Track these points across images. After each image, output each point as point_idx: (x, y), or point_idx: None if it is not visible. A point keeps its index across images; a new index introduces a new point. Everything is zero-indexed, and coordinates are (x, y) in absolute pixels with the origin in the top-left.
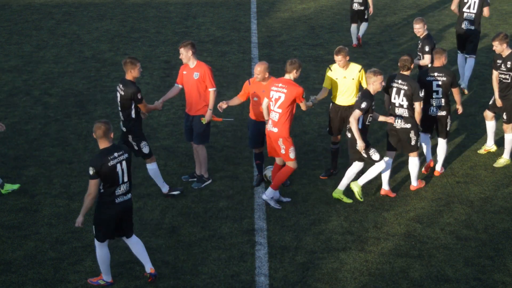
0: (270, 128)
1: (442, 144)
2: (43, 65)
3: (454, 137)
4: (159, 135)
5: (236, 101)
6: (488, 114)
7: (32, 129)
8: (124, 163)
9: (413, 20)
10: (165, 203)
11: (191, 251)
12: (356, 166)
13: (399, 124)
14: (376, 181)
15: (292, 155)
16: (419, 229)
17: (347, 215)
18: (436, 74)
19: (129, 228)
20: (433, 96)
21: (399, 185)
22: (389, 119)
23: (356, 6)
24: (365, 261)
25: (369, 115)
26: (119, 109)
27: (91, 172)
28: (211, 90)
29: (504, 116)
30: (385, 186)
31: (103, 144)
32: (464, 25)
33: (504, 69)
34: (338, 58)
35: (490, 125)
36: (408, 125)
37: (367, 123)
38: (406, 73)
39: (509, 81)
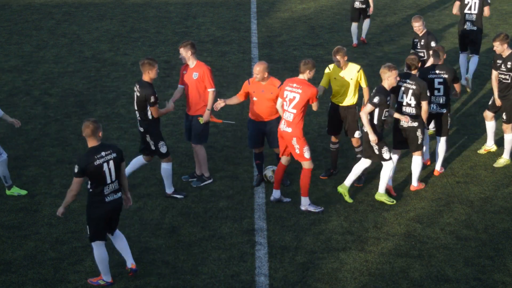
0: (283, 128)
1: (442, 143)
2: (43, 65)
3: (454, 137)
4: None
5: (234, 100)
6: (488, 114)
7: (32, 129)
8: (111, 162)
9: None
10: (165, 203)
11: (191, 251)
12: (364, 163)
13: (405, 123)
14: (376, 181)
15: (307, 154)
16: (419, 229)
17: (347, 215)
18: (437, 71)
19: (116, 225)
20: (435, 94)
21: (399, 185)
22: (403, 117)
23: (357, 5)
24: (365, 261)
25: (385, 110)
26: (135, 109)
27: (75, 170)
28: (210, 91)
29: (504, 116)
30: (389, 182)
31: (91, 143)
32: (467, 26)
33: (504, 70)
34: (336, 58)
35: (490, 125)
36: (415, 124)
37: (383, 117)
38: (413, 72)
39: (509, 81)
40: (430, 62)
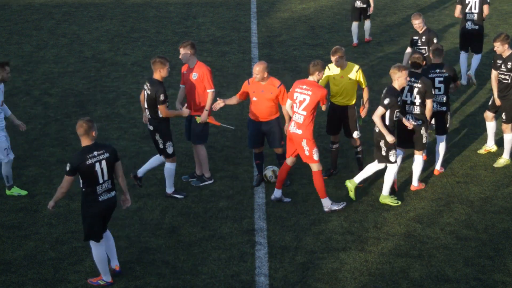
0: (293, 130)
1: (441, 142)
2: (43, 65)
3: (454, 137)
4: None
5: (234, 100)
6: (488, 115)
7: (32, 129)
8: (103, 162)
9: (411, 17)
10: (165, 203)
11: (191, 251)
12: (377, 164)
13: (410, 121)
14: (376, 181)
15: (316, 156)
16: (419, 229)
17: (347, 215)
18: (438, 70)
19: (106, 224)
20: (435, 93)
21: (399, 185)
22: (409, 125)
23: (358, 4)
24: (365, 261)
25: (396, 111)
26: (146, 107)
27: (67, 168)
28: (209, 92)
29: (503, 116)
30: (415, 183)
31: (84, 142)
32: (468, 26)
33: (504, 70)
34: (334, 58)
35: (491, 126)
36: (420, 122)
37: (394, 118)
38: (418, 71)
39: (509, 81)
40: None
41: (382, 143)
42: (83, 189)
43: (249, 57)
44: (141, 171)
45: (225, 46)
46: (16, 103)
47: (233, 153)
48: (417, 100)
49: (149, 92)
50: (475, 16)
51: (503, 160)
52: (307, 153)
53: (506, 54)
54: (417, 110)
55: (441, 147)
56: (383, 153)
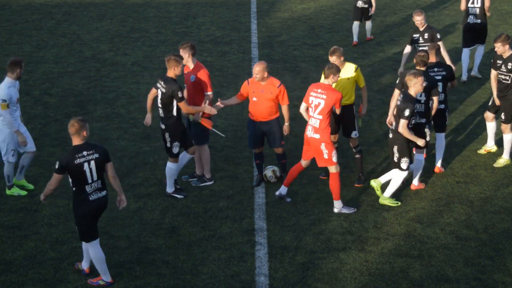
0: (310, 134)
1: (441, 139)
2: (43, 65)
3: (454, 137)
4: (159, 135)
5: (233, 101)
6: (488, 115)
7: (32, 129)
8: (92, 162)
9: (412, 14)
10: (165, 203)
11: (191, 251)
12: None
13: (414, 119)
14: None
15: (334, 158)
16: (419, 229)
17: (347, 215)
18: (436, 69)
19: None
20: None
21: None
22: (419, 141)
23: (360, 4)
24: (365, 261)
25: (412, 118)
26: (160, 106)
27: (56, 166)
28: (206, 94)
29: (503, 116)
30: (415, 182)
31: (75, 142)
32: (470, 20)
33: (505, 70)
34: (332, 58)
35: (491, 126)
36: (423, 120)
37: (409, 126)
38: (422, 68)
39: (509, 82)
40: (445, 55)
41: (395, 149)
42: (73, 189)
43: (249, 57)
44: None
45: (225, 46)
46: None
47: (233, 153)
48: (422, 98)
49: (163, 90)
50: (477, 10)
51: (503, 160)
52: (326, 156)
53: (506, 54)
54: (421, 108)
55: (441, 143)
56: (395, 159)
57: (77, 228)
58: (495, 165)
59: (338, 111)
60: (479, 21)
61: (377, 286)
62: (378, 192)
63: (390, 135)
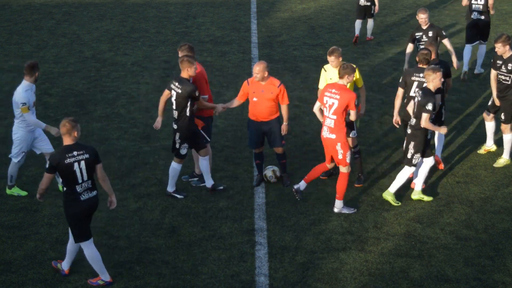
0: (326, 135)
1: (440, 135)
2: (43, 65)
3: (454, 137)
4: (159, 135)
5: (235, 103)
6: (487, 115)
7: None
8: (82, 162)
9: (416, 12)
10: (165, 203)
11: (191, 251)
12: (428, 161)
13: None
14: (376, 182)
15: (348, 159)
16: (419, 229)
17: (347, 215)
18: (433, 65)
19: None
20: None
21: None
22: (441, 130)
23: (363, 2)
24: (365, 261)
25: (433, 113)
26: (173, 107)
27: (47, 165)
28: (202, 97)
29: (502, 116)
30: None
31: (66, 141)
32: (474, 16)
33: (505, 71)
34: (331, 58)
35: (490, 126)
36: None
37: (430, 120)
38: (425, 66)
39: (509, 82)
40: (451, 51)
41: (411, 146)
42: (64, 189)
43: (249, 57)
44: (208, 182)
45: (225, 46)
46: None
47: (233, 153)
48: None
49: (179, 91)
50: (481, 7)
51: (503, 160)
52: (340, 156)
53: (506, 55)
54: None
55: (441, 137)
56: (409, 155)
57: (70, 229)
58: (495, 165)
59: (352, 115)
60: (482, 17)
61: (377, 286)
62: (426, 198)
63: (409, 131)
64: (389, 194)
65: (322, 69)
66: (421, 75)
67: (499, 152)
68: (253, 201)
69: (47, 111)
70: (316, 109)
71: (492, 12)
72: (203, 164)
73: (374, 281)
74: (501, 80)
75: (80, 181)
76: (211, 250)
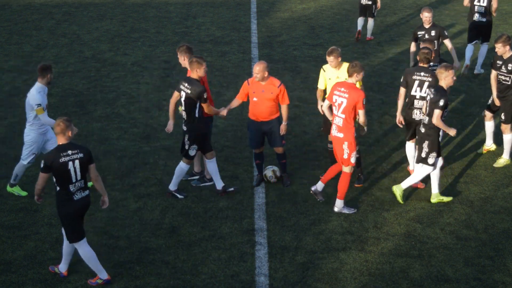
0: (334, 133)
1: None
2: None
3: (454, 137)
4: (159, 135)
5: (235, 103)
6: (487, 114)
7: None
8: (77, 162)
9: (422, 9)
10: (165, 203)
11: (191, 251)
12: (439, 161)
13: (418, 116)
14: (377, 182)
15: (353, 160)
16: (419, 229)
17: (347, 215)
18: (431, 63)
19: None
20: None
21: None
22: (451, 131)
23: (364, 1)
24: (365, 261)
25: (446, 111)
26: (183, 108)
27: (41, 165)
28: None
29: (502, 117)
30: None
31: (60, 141)
32: (476, 18)
33: (505, 71)
34: (330, 59)
35: (489, 125)
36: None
37: (442, 118)
38: (426, 65)
39: (509, 83)
40: (452, 51)
41: (425, 145)
42: (57, 189)
43: (249, 57)
44: (218, 184)
45: (225, 46)
46: (16, 103)
47: (233, 153)
48: (426, 94)
49: (188, 92)
50: (483, 9)
51: (503, 160)
52: (345, 155)
53: (507, 55)
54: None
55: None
56: (423, 154)
57: (63, 230)
58: (495, 165)
59: (361, 117)
60: (484, 19)
61: (377, 286)
62: (446, 199)
63: (422, 130)
64: (399, 189)
65: (321, 69)
66: (422, 73)
67: (499, 152)
68: (253, 201)
69: (47, 111)
70: (325, 107)
71: (494, 14)
72: (211, 166)
73: (374, 281)
74: (501, 81)
75: (73, 180)
76: (211, 250)
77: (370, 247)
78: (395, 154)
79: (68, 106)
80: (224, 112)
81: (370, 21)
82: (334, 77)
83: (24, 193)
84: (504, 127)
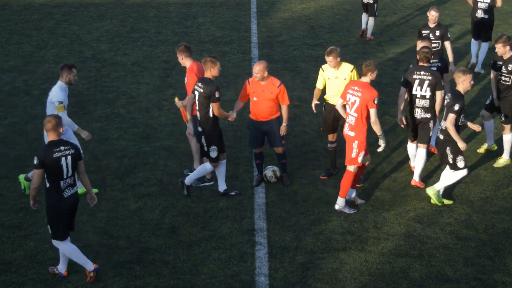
0: (346, 131)
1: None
2: (43, 65)
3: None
4: (159, 135)
5: (240, 105)
6: (485, 114)
7: (32, 129)
8: (69, 157)
9: (431, 7)
10: (165, 203)
11: (191, 251)
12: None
13: (419, 114)
14: (376, 182)
15: (360, 159)
16: (419, 229)
17: (347, 215)
18: (431, 61)
19: (73, 222)
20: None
21: (399, 185)
22: (477, 128)
23: None
24: (365, 261)
25: (462, 116)
26: (197, 108)
27: (35, 161)
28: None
29: (503, 117)
30: (416, 178)
31: (51, 137)
32: (479, 14)
33: (505, 72)
34: (329, 59)
35: (488, 125)
36: (429, 115)
37: (459, 123)
38: (426, 64)
39: (509, 83)
40: (450, 54)
41: (448, 150)
42: (48, 186)
43: (249, 57)
44: (220, 186)
45: (225, 46)
46: (16, 103)
47: (233, 153)
48: (428, 93)
49: (201, 91)
50: (486, 6)
51: (503, 160)
52: (353, 155)
53: (507, 56)
54: (427, 103)
55: (435, 130)
56: (450, 160)
57: (50, 227)
58: (495, 165)
59: (372, 115)
60: (486, 16)
61: (377, 286)
62: (446, 201)
63: (441, 137)
64: (432, 190)
65: (320, 69)
66: (422, 73)
67: (499, 152)
68: (253, 201)
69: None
70: (338, 105)
71: (499, 4)
72: (220, 168)
73: (374, 281)
74: (501, 81)
75: (65, 176)
76: (211, 250)
77: (370, 247)
78: (395, 154)
79: (68, 106)
80: (234, 115)
81: (371, 20)
82: (333, 77)
83: (27, 192)
84: (504, 127)
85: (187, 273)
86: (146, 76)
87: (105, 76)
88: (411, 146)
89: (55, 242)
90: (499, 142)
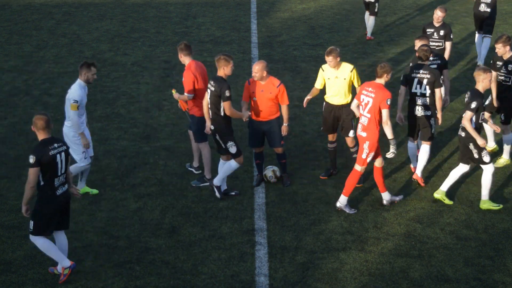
0: (359, 132)
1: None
2: (43, 65)
3: (454, 137)
4: (159, 135)
5: (246, 105)
6: (484, 114)
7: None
8: (63, 154)
9: (437, 7)
10: (165, 203)
11: (191, 251)
12: (462, 168)
13: (420, 112)
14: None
15: (369, 159)
16: (419, 229)
17: (347, 215)
18: (431, 58)
19: (68, 220)
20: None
21: (399, 185)
22: (497, 129)
23: None
24: (365, 261)
25: (481, 113)
26: (209, 106)
27: (31, 160)
28: (185, 94)
29: (502, 117)
30: (418, 173)
31: (43, 135)
32: (481, 8)
33: (505, 72)
34: (329, 58)
35: (488, 125)
36: (429, 112)
37: (480, 121)
38: (425, 62)
39: (509, 83)
40: (447, 55)
41: (471, 146)
42: (41, 184)
43: (249, 57)
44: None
45: (225, 46)
46: (16, 103)
47: None
48: (427, 91)
49: (213, 89)
50: (489, 0)
51: (503, 160)
52: (364, 155)
53: (506, 56)
54: (427, 101)
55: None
56: (476, 155)
57: (33, 222)
58: (495, 165)
59: (384, 115)
60: (488, 10)
61: (377, 286)
62: (446, 201)
63: (462, 134)
64: (484, 202)
65: (320, 69)
66: (421, 71)
67: (499, 152)
68: (253, 201)
69: (47, 111)
70: (353, 106)
71: None
72: (225, 166)
73: (374, 281)
74: (501, 81)
75: (59, 173)
76: (211, 250)
77: (370, 247)
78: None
79: None
80: (248, 113)
81: (371, 20)
82: (333, 77)
83: (95, 191)
84: (504, 128)
85: (187, 273)
86: (146, 76)
87: (105, 76)
88: (411, 147)
89: (32, 238)
90: (500, 142)
